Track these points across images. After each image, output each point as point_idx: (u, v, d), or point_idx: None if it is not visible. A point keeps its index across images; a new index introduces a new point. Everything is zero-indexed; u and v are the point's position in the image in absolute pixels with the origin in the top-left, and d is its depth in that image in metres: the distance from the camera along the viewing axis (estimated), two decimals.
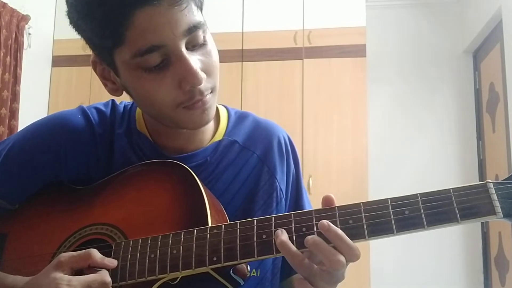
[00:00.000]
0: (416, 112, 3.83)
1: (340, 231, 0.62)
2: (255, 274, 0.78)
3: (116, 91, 0.78)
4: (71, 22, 0.74)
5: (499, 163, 3.28)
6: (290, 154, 0.89)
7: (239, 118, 0.88)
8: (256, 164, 0.83)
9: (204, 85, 0.70)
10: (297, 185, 0.88)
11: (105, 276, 0.64)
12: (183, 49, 0.68)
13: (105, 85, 0.78)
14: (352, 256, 0.62)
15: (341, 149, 3.34)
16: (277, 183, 0.83)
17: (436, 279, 3.56)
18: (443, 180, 3.70)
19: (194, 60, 0.69)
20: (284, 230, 0.64)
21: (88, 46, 0.75)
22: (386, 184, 3.68)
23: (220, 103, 0.87)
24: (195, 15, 0.69)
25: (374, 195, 3.43)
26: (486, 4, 3.29)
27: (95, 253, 0.66)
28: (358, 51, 3.42)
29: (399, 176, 3.73)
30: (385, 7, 3.94)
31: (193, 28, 0.68)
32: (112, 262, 0.67)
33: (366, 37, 3.47)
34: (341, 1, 3.50)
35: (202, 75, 0.69)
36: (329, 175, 3.29)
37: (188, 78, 0.68)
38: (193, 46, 0.70)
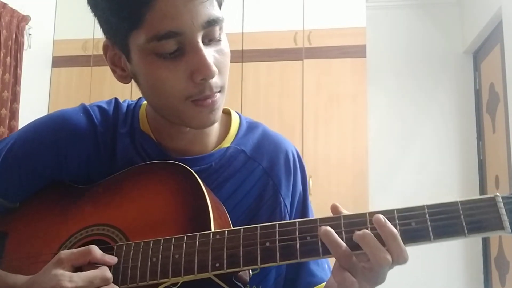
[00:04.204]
0: (416, 112, 3.83)
1: (394, 230, 0.61)
2: (257, 271, 0.76)
3: (124, 78, 0.76)
4: (89, 1, 0.73)
5: (499, 164, 3.28)
6: (298, 171, 0.86)
7: (250, 128, 0.86)
8: (261, 176, 0.81)
9: (215, 81, 0.70)
10: (303, 206, 0.85)
11: (106, 271, 0.64)
12: (199, 40, 0.68)
13: (114, 72, 0.77)
14: (400, 258, 0.61)
15: (341, 149, 3.34)
16: (281, 199, 0.81)
17: (436, 279, 3.56)
18: (443, 180, 3.70)
19: (208, 53, 0.69)
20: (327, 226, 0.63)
21: (102, 29, 0.74)
22: (386, 184, 3.68)
23: (226, 107, 0.85)
24: (215, 10, 0.69)
25: (374, 195, 3.45)
26: (486, 5, 3.29)
27: (95, 250, 0.66)
28: (358, 51, 3.43)
29: (399, 176, 3.73)
30: (385, 7, 3.94)
31: (212, 22, 0.68)
32: (112, 259, 0.67)
33: (366, 38, 3.47)
34: (341, 2, 3.51)
35: (215, 68, 0.68)
36: (329, 175, 3.29)
37: (201, 69, 0.67)
38: (209, 40, 0.70)
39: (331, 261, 0.73)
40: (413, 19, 3.92)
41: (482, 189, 3.64)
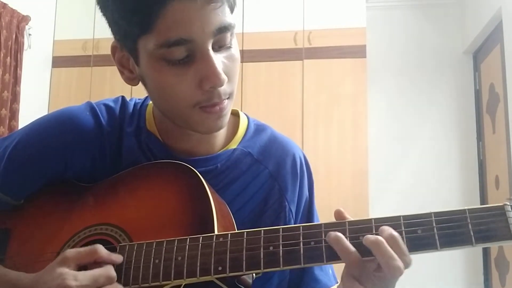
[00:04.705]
0: (416, 112, 3.83)
1: (397, 235, 0.60)
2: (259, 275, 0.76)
3: (132, 80, 0.76)
4: (98, 2, 0.71)
5: (499, 164, 3.28)
6: (305, 176, 0.85)
7: (257, 130, 0.85)
8: (267, 180, 0.81)
9: (224, 88, 0.69)
10: (309, 211, 0.84)
11: (111, 270, 0.64)
12: (210, 47, 0.67)
13: (122, 73, 0.76)
14: (406, 263, 0.60)
15: (341, 150, 3.34)
16: (286, 203, 0.80)
17: (436, 280, 3.56)
18: (443, 180, 3.70)
19: (218, 61, 0.68)
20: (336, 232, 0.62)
21: (110, 30, 0.73)
22: (386, 184, 3.68)
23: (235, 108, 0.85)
24: (227, 16, 0.68)
25: (374, 196, 3.45)
26: (486, 5, 3.30)
27: (101, 249, 0.65)
28: (358, 51, 3.43)
29: (399, 176, 3.73)
30: (385, 8, 3.94)
31: (223, 29, 0.67)
32: (118, 258, 0.67)
33: (366, 38, 3.47)
34: (342, 2, 3.51)
35: (224, 77, 0.67)
36: (329, 176, 3.29)
37: (210, 77, 0.67)
38: (219, 47, 0.69)
39: (336, 267, 0.73)
40: (413, 19, 3.92)
41: (482, 190, 3.64)
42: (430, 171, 3.72)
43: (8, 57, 3.20)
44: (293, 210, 0.81)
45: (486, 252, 3.59)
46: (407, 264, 0.60)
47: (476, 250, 3.63)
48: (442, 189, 3.66)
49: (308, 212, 0.84)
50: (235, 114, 0.86)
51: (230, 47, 0.71)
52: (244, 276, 0.67)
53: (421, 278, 3.55)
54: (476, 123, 3.77)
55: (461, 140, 3.77)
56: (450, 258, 3.61)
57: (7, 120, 3.17)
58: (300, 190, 0.83)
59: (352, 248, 0.61)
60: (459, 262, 3.64)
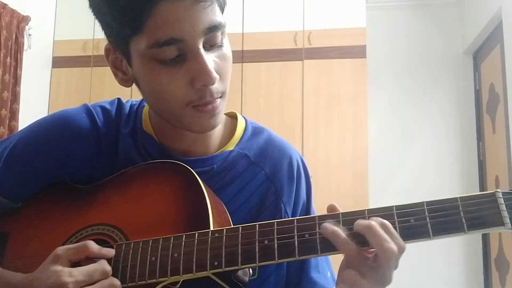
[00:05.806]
0: (416, 112, 3.83)
1: (388, 223, 0.62)
2: (254, 276, 0.76)
3: (126, 82, 0.77)
4: (91, 5, 0.73)
5: (499, 164, 3.28)
6: (303, 180, 0.85)
7: (255, 132, 0.85)
8: (263, 181, 0.81)
9: (216, 87, 0.70)
10: (306, 215, 0.83)
11: (105, 264, 0.65)
12: (200, 46, 0.67)
13: (115, 75, 0.77)
14: (400, 247, 0.61)
15: (341, 150, 3.34)
16: (282, 205, 0.81)
17: (436, 280, 3.56)
18: (443, 180, 3.70)
19: (209, 59, 0.69)
20: (330, 223, 0.64)
21: (104, 32, 0.74)
22: (386, 185, 3.68)
23: (230, 109, 0.85)
24: (217, 15, 0.69)
25: (374, 196, 3.45)
26: (486, 5, 3.30)
27: (92, 244, 0.66)
28: (358, 52, 3.43)
29: (399, 176, 3.73)
30: (385, 8, 3.94)
31: (213, 28, 0.68)
32: (110, 252, 0.67)
33: (366, 38, 3.47)
34: (341, 2, 3.51)
35: (216, 75, 0.68)
36: (329, 175, 3.29)
37: (201, 76, 0.67)
38: (211, 46, 0.70)
39: (335, 268, 0.73)
40: (413, 19, 3.92)
41: (482, 190, 3.64)
42: (430, 171, 3.72)
43: (8, 57, 3.21)
44: (289, 213, 0.81)
45: (486, 252, 3.59)
46: (401, 248, 0.61)
47: (476, 250, 3.63)
48: (442, 189, 3.66)
49: (306, 215, 0.84)
50: (232, 117, 0.87)
51: (221, 45, 0.71)
52: (240, 273, 0.67)
53: (421, 278, 3.55)
54: (476, 123, 3.77)
55: (461, 140, 3.78)
56: (450, 258, 3.61)
57: (7, 120, 3.17)
58: (296, 193, 0.83)
59: (349, 240, 0.62)
60: (459, 262, 3.64)
